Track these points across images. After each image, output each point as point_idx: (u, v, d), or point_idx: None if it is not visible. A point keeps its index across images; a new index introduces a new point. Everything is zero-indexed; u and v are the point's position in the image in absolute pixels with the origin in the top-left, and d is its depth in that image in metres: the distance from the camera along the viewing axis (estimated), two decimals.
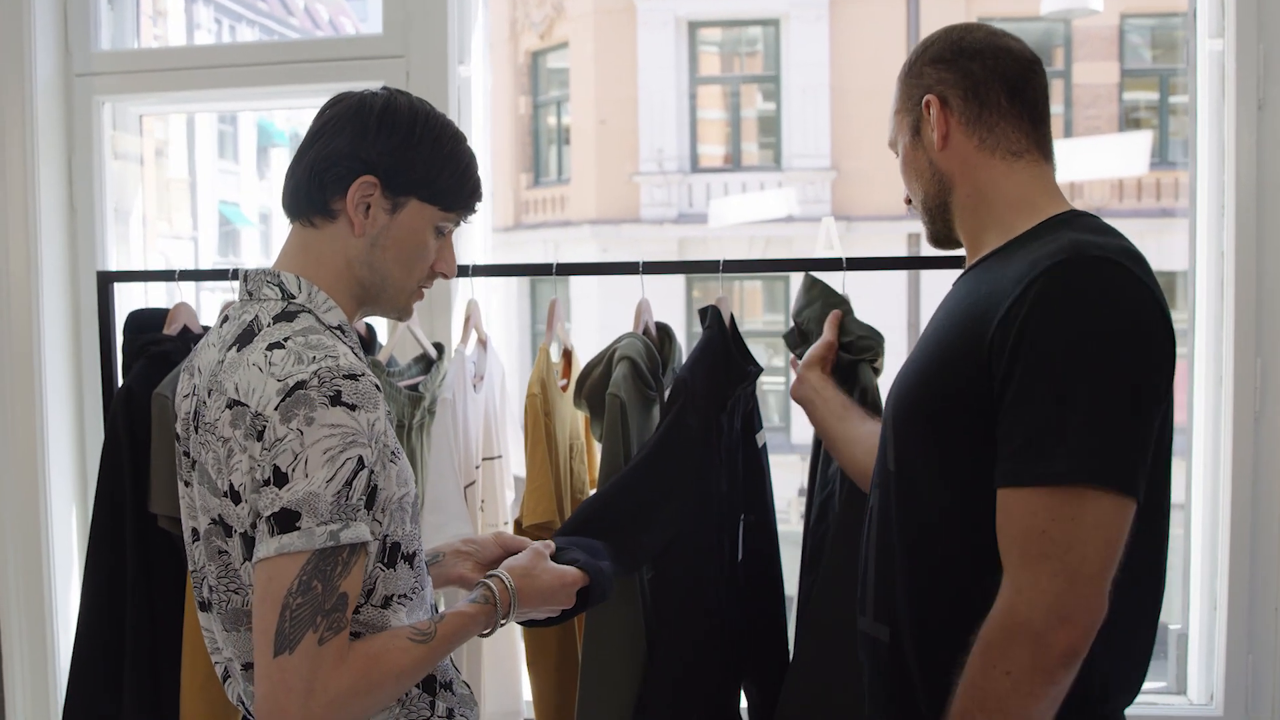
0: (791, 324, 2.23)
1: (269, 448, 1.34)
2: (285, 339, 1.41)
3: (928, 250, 1.77)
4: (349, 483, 1.35)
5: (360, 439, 1.36)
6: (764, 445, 2.29)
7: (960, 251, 1.67)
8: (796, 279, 2.25)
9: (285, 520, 1.33)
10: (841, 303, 2.14)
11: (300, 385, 1.34)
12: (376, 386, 1.40)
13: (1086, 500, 1.32)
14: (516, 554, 1.69)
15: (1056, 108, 10.79)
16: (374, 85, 1.56)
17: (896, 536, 1.55)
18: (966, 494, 1.45)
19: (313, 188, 1.50)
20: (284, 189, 1.55)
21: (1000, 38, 1.60)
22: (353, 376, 1.37)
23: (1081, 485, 1.32)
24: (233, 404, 1.39)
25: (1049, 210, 1.53)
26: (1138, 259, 1.41)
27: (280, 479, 1.34)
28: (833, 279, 2.19)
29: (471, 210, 1.59)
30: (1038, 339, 1.36)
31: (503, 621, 1.57)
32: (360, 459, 1.36)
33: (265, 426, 1.35)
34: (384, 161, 1.49)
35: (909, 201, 1.71)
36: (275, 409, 1.34)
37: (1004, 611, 1.35)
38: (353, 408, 1.36)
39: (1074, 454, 1.32)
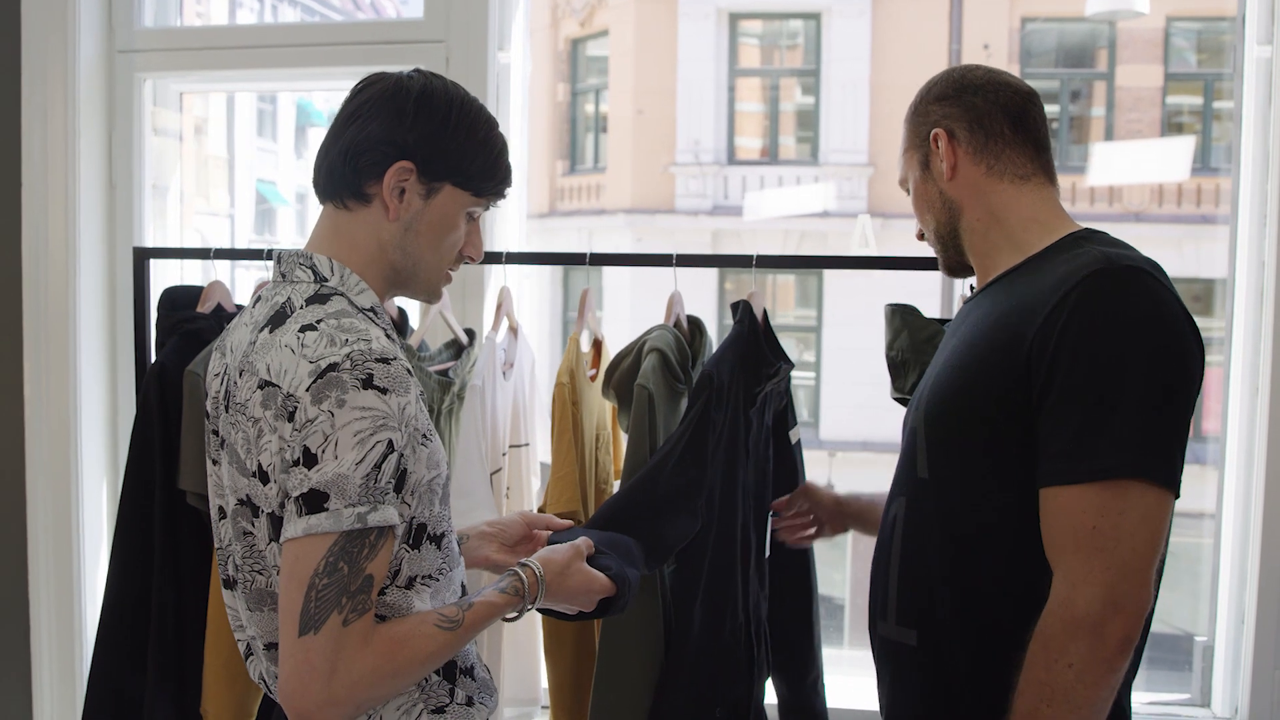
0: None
1: (299, 429, 1.35)
2: (318, 321, 1.41)
3: None
4: (378, 466, 1.35)
5: (391, 422, 1.37)
6: (798, 442, 2.28)
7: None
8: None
9: (313, 501, 1.34)
10: (927, 325, 2.13)
11: (333, 367, 1.35)
12: (408, 370, 1.41)
13: (1132, 494, 1.39)
14: (553, 542, 1.70)
15: (1099, 110, 10.70)
16: (406, 68, 1.56)
17: (935, 542, 1.59)
18: (1006, 496, 1.51)
19: (348, 171, 1.50)
20: (316, 170, 1.55)
21: (999, 74, 1.70)
22: (385, 360, 1.37)
23: (1127, 479, 1.39)
24: (264, 385, 1.40)
25: (1062, 229, 1.61)
26: (1159, 269, 1.49)
27: (310, 460, 1.34)
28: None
29: (502, 195, 1.60)
30: (1079, 343, 1.42)
31: (528, 608, 1.57)
32: (390, 442, 1.36)
33: (296, 407, 1.36)
34: (421, 147, 1.49)
35: (921, 237, 1.80)
36: (307, 390, 1.35)
37: (1061, 605, 1.41)
38: (384, 391, 1.36)
39: (1119, 450, 1.39)
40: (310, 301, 1.46)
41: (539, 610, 1.66)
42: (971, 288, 1.92)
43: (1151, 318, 1.43)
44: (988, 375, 1.52)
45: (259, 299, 1.54)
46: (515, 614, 1.56)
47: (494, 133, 1.56)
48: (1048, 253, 1.58)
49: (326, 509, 1.33)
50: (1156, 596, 1.51)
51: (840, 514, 2.11)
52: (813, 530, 2.14)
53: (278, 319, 1.45)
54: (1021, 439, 1.48)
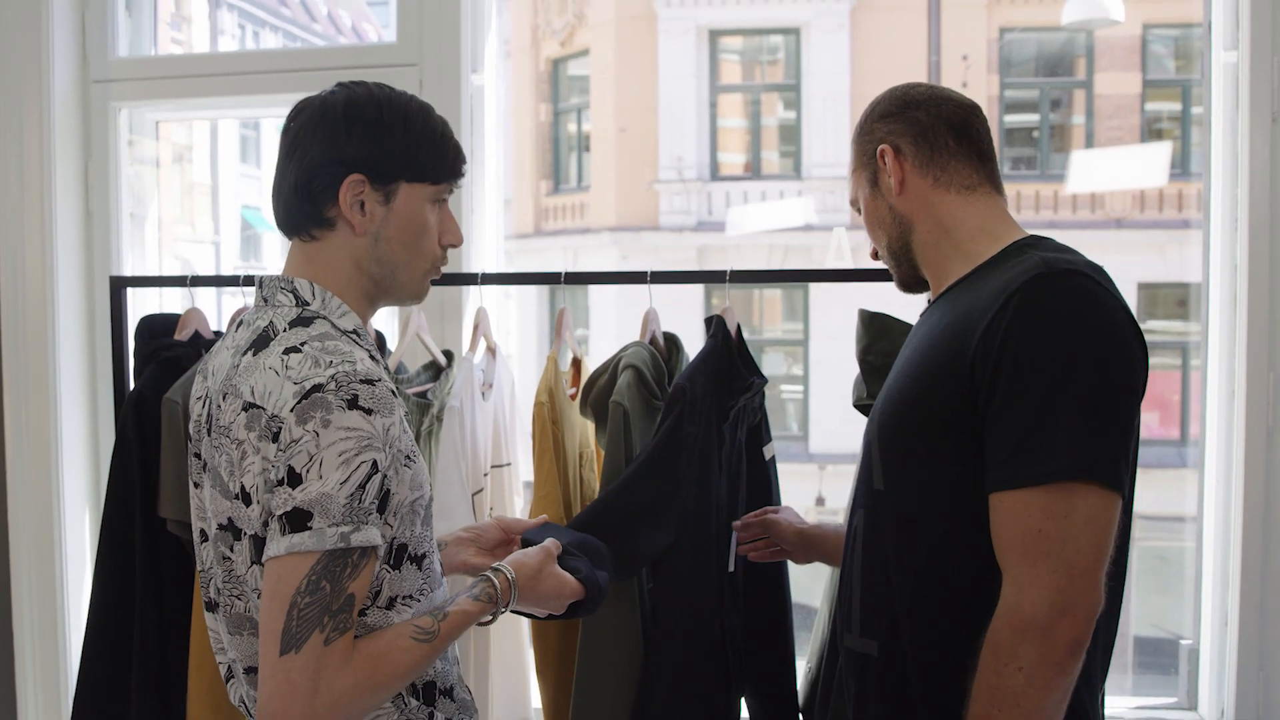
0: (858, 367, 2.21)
1: (284, 449, 1.35)
2: (302, 343, 1.42)
3: None
4: (362, 486, 1.36)
5: (375, 443, 1.37)
6: (772, 458, 2.28)
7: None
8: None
9: (297, 520, 1.34)
10: (907, 330, 2.13)
11: (317, 388, 1.36)
12: (393, 391, 1.41)
13: (1076, 496, 1.40)
14: (527, 542, 1.72)
15: (1078, 118, 10.76)
16: (327, 86, 1.56)
17: (891, 553, 1.60)
18: (958, 505, 1.51)
19: (303, 203, 1.51)
20: (275, 211, 1.55)
21: (941, 90, 1.73)
22: (369, 381, 1.38)
23: (1071, 482, 1.40)
24: (248, 406, 1.40)
25: (1009, 237, 1.62)
26: (1102, 272, 1.51)
27: (294, 479, 1.35)
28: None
29: (459, 175, 1.59)
30: (1019, 348, 1.43)
31: (501, 611, 1.58)
32: (374, 463, 1.37)
33: (281, 428, 1.36)
34: (363, 156, 1.49)
35: (875, 255, 1.81)
36: (291, 411, 1.36)
37: (1009, 610, 1.41)
38: (369, 412, 1.37)
39: (1062, 453, 1.40)
40: (293, 324, 1.47)
41: (511, 611, 1.68)
42: (929, 300, 1.94)
43: (1091, 320, 1.44)
44: (935, 385, 1.53)
45: (240, 323, 1.55)
46: (489, 619, 1.57)
47: (431, 118, 1.55)
48: (994, 260, 1.59)
49: (310, 528, 1.34)
50: (1120, 600, 1.54)
51: (804, 545, 2.10)
52: (776, 548, 2.14)
53: (261, 342, 1.46)
54: (970, 447, 1.48)
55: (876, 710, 1.63)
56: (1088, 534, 1.39)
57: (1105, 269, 1.52)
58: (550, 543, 1.71)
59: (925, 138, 1.68)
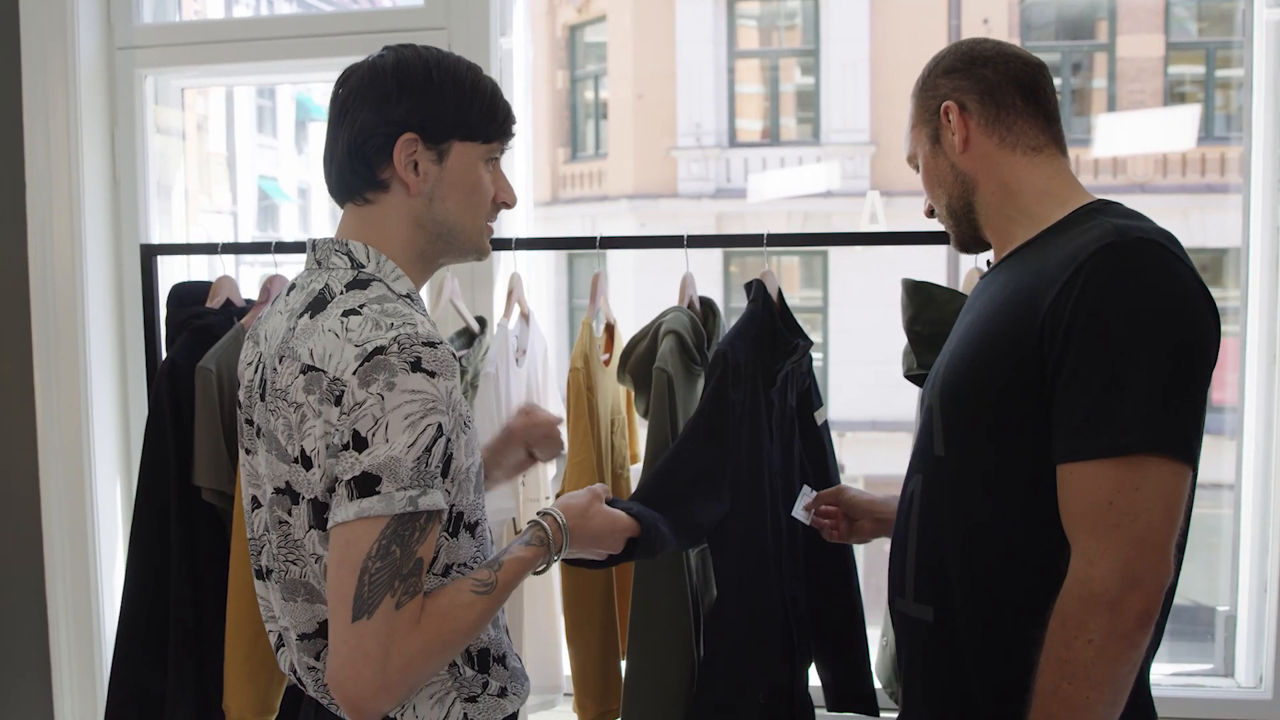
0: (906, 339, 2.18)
1: (348, 412, 1.35)
2: (361, 306, 1.41)
3: None
4: (428, 449, 1.36)
5: (440, 406, 1.37)
6: (825, 423, 2.26)
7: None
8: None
9: (365, 484, 1.33)
10: (955, 297, 2.11)
11: (379, 350, 1.35)
12: (454, 355, 1.40)
13: (1149, 469, 1.38)
14: (572, 492, 1.71)
15: (1100, 81, 10.65)
16: (356, 50, 1.55)
17: (948, 519, 1.58)
18: (1022, 473, 1.49)
19: (358, 165, 1.50)
20: (327, 177, 1.55)
21: (1007, 46, 1.69)
22: (431, 344, 1.37)
23: (1143, 455, 1.38)
24: (307, 369, 1.39)
25: (1075, 201, 1.59)
26: (1174, 240, 1.48)
27: (360, 443, 1.34)
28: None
29: (510, 135, 1.59)
30: (1091, 318, 1.41)
31: (555, 558, 1.58)
32: (440, 426, 1.37)
33: (344, 391, 1.35)
34: (415, 116, 1.49)
35: (930, 213, 1.77)
36: (354, 373, 1.35)
37: (1078, 582, 1.40)
38: (432, 374, 1.36)
39: (1134, 425, 1.38)
40: (350, 287, 1.46)
41: (568, 562, 1.67)
42: (988, 263, 1.91)
43: (1164, 290, 1.41)
44: (1002, 352, 1.51)
45: (293, 286, 1.54)
46: (544, 565, 1.57)
47: (481, 78, 1.55)
48: (1061, 225, 1.56)
49: (379, 492, 1.33)
50: (1178, 571, 1.50)
51: (875, 519, 2.01)
52: (847, 525, 2.05)
53: (317, 305, 1.45)
54: (1035, 415, 1.47)
55: (928, 677, 1.62)
56: (1159, 507, 1.38)
57: (1175, 235, 1.49)
58: (598, 486, 1.71)
59: (992, 96, 1.64)
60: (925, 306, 2.13)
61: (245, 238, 10.35)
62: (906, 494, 1.70)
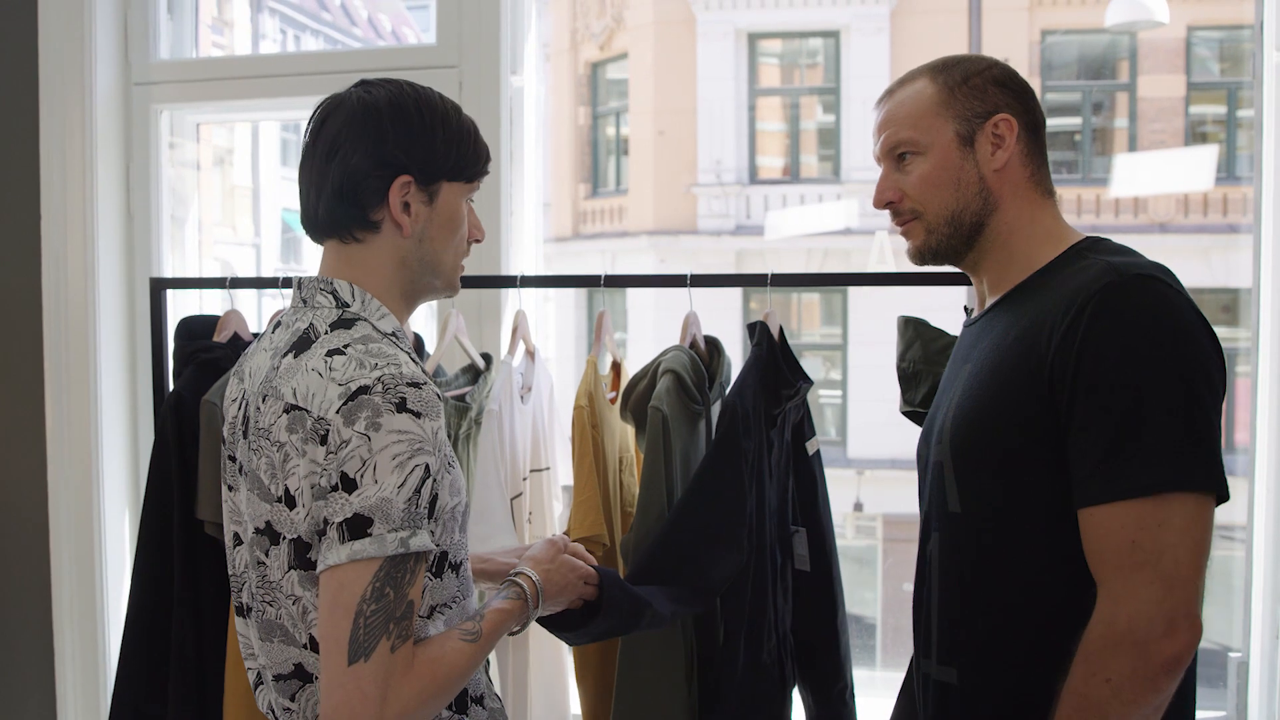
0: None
1: (334, 451, 1.34)
2: (345, 345, 1.41)
3: None
4: (417, 490, 1.35)
5: (426, 446, 1.36)
6: (817, 452, 2.26)
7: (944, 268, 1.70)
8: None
9: (357, 526, 1.33)
10: (940, 336, 2.10)
11: (364, 390, 1.35)
12: (438, 395, 1.40)
13: (1171, 505, 1.37)
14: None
15: (1121, 121, 10.64)
16: (349, 83, 1.55)
17: (970, 577, 1.56)
18: (1043, 520, 1.48)
19: (349, 207, 1.50)
20: (309, 213, 1.54)
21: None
22: (416, 385, 1.37)
23: (1163, 493, 1.37)
24: (290, 409, 1.39)
25: (1067, 240, 1.59)
26: (1169, 273, 1.48)
27: (349, 485, 1.34)
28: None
29: (486, 173, 1.60)
30: (1099, 358, 1.40)
31: (534, 613, 1.58)
32: (427, 466, 1.36)
33: (329, 430, 1.35)
34: (411, 158, 1.49)
35: (883, 205, 1.67)
36: (337, 412, 1.35)
37: (1104, 623, 1.39)
38: (418, 415, 1.36)
39: (1150, 464, 1.37)
40: (335, 326, 1.46)
41: (542, 623, 1.67)
42: (966, 308, 1.90)
43: (1166, 326, 1.41)
44: (1012, 400, 1.50)
45: (278, 324, 1.54)
46: (522, 622, 1.57)
47: (462, 117, 1.56)
48: (1054, 266, 1.56)
49: (370, 534, 1.33)
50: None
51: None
52: None
53: (302, 344, 1.45)
54: (1050, 460, 1.46)
55: None
56: (1185, 543, 1.37)
57: (1168, 267, 1.49)
58: (556, 536, 1.72)
59: (1037, 131, 1.63)
60: (910, 344, 2.12)
61: (268, 270, 10.42)
62: (924, 554, 1.67)
